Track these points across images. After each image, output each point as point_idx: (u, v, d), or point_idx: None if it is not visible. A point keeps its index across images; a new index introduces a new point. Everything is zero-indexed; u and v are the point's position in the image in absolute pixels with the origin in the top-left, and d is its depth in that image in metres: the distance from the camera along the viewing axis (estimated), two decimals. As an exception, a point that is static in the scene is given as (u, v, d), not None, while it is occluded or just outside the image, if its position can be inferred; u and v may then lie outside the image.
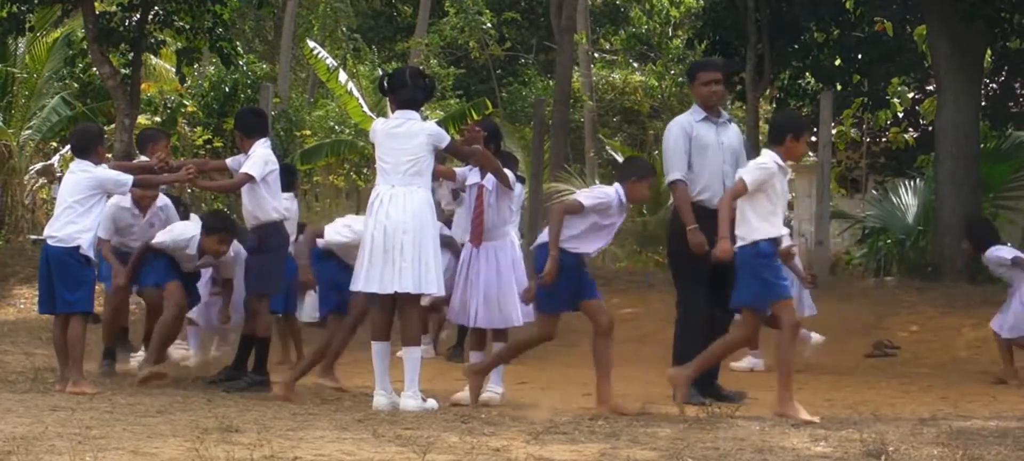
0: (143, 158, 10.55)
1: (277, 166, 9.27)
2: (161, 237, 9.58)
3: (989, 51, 18.21)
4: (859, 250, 19.45)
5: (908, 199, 18.41)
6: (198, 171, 9.55)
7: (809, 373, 11.29)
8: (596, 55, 31.16)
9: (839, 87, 19.63)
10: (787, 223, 10.08)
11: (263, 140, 9.28)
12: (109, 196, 9.22)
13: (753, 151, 9.73)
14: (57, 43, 21.56)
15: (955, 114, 16.08)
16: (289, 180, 10.40)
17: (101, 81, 18.41)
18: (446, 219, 11.36)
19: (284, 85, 27.47)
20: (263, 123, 9.57)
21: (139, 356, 10.19)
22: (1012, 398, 9.48)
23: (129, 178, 9.02)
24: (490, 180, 8.62)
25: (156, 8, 17.25)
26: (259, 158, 9.10)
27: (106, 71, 16.68)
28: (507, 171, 8.66)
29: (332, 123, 26.22)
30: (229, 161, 9.71)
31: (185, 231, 9.63)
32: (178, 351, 10.52)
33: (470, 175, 8.81)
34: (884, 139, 23.97)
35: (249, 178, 9.04)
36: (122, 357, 10.56)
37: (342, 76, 24.21)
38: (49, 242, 8.77)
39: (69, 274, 8.66)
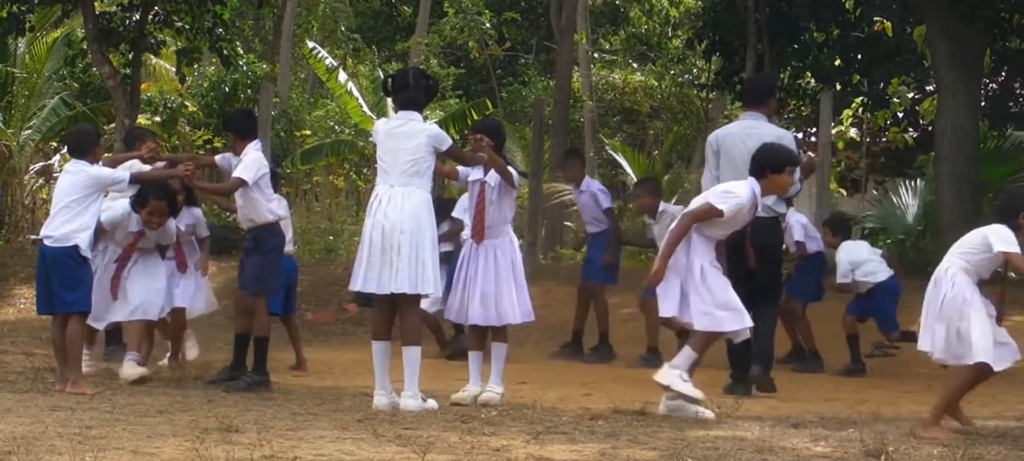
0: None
1: (268, 169, 9.33)
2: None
3: (989, 51, 18.17)
4: (858, 250, 19.39)
5: (908, 199, 18.37)
6: (195, 167, 9.57)
7: (809, 372, 11.29)
8: (596, 55, 31.11)
9: (839, 87, 19.60)
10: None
11: (255, 142, 9.34)
12: (106, 195, 9.21)
13: None
14: (57, 43, 21.52)
15: (955, 114, 16.05)
16: (272, 183, 10.41)
17: (101, 81, 18.40)
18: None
19: (284, 85, 27.45)
20: (255, 125, 9.65)
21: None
22: (1012, 398, 9.48)
23: (126, 175, 9.03)
24: (492, 176, 8.62)
25: (156, 8, 17.24)
26: (251, 162, 9.14)
27: (106, 71, 16.68)
28: (511, 169, 8.65)
29: (332, 123, 26.22)
30: (218, 158, 9.77)
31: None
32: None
33: (472, 171, 8.81)
34: (884, 139, 23.93)
35: (242, 183, 9.08)
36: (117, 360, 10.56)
37: (342, 76, 24.20)
38: (46, 242, 8.75)
39: (67, 274, 8.65)
